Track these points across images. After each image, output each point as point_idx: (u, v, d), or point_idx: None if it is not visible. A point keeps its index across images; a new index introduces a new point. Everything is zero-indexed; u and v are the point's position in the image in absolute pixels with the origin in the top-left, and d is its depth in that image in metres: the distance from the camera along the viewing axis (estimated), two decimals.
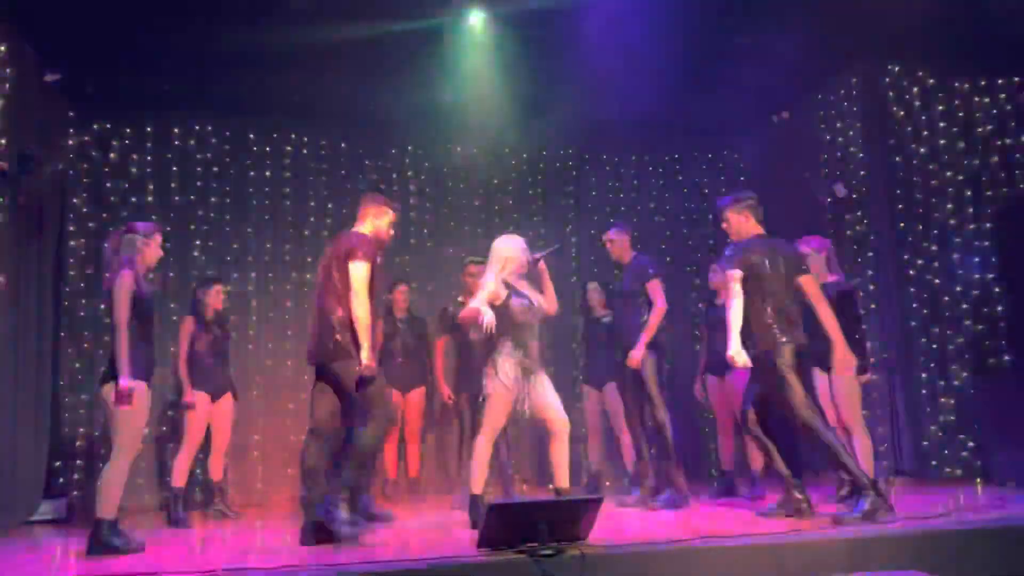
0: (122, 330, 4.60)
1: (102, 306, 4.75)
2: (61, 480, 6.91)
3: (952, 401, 6.86)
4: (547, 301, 5.09)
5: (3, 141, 5.81)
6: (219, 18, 6.23)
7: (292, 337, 7.74)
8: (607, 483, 7.21)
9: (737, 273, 4.94)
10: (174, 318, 7.41)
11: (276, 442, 7.46)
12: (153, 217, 7.37)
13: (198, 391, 6.22)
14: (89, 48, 6.55)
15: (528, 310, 4.91)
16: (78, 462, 7.03)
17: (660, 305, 5.77)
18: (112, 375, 4.59)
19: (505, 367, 4.83)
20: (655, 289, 5.80)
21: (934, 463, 6.77)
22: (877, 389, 6.79)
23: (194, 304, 6.44)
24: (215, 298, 6.42)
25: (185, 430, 6.21)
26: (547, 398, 4.89)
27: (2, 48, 5.84)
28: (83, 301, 7.21)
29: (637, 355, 5.73)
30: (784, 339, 4.91)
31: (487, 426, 4.87)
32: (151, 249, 4.90)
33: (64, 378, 7.09)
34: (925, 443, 6.82)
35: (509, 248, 5.04)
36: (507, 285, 4.96)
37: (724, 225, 5.27)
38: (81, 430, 7.08)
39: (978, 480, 6.53)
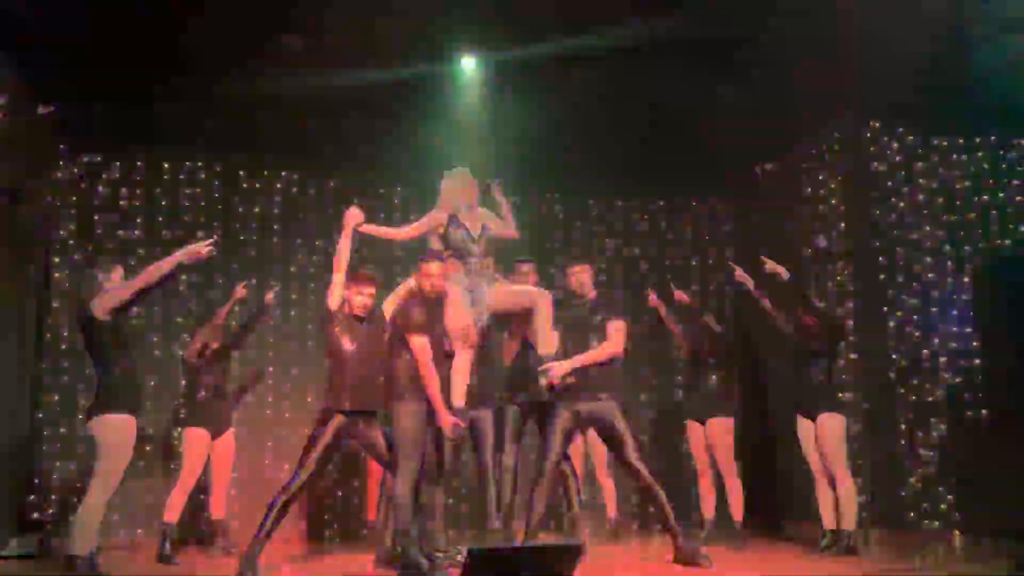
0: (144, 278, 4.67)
1: (78, 337, 4.76)
2: (35, 515, 6.81)
3: (931, 453, 6.90)
4: (505, 226, 5.65)
5: None
6: (213, 59, 6.32)
7: (273, 375, 7.72)
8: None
9: None
10: (156, 352, 7.39)
11: (254, 479, 7.37)
12: (140, 251, 7.39)
13: (197, 428, 6.20)
14: (82, 82, 6.61)
15: (466, 240, 5.31)
16: (53, 497, 6.93)
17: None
18: (100, 408, 4.56)
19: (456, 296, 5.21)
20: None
21: (912, 515, 6.79)
22: (856, 440, 6.83)
23: (193, 340, 6.45)
24: (214, 334, 6.43)
25: (182, 465, 6.18)
26: (505, 290, 5.33)
27: None
28: (64, 334, 7.16)
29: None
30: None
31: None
32: (114, 283, 4.84)
33: (42, 411, 7.02)
34: (903, 494, 6.85)
35: (447, 181, 5.54)
36: (451, 216, 5.37)
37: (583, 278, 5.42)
38: (57, 464, 7.00)
39: (956, 532, 6.56)
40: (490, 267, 5.42)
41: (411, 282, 5.30)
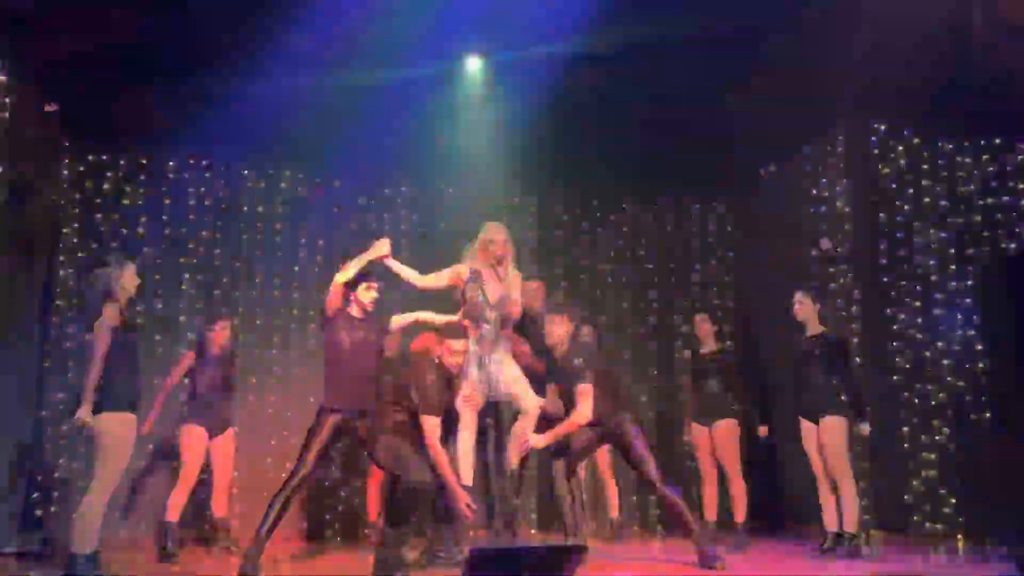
0: (96, 363, 4.65)
1: (87, 337, 4.80)
2: (38, 512, 6.82)
3: (934, 456, 6.89)
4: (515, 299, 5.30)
5: None
6: (219, 58, 6.32)
7: (278, 373, 7.72)
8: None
9: None
10: (159, 351, 7.39)
11: (256, 478, 7.37)
12: (145, 249, 7.39)
13: (195, 426, 6.21)
14: (87, 79, 6.61)
15: (478, 306, 5.15)
16: (56, 494, 6.93)
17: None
18: (100, 406, 4.57)
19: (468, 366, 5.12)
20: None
21: (916, 518, 6.77)
22: (859, 443, 6.81)
23: (199, 340, 6.46)
24: (220, 334, 6.43)
25: (182, 465, 6.19)
26: (509, 379, 5.15)
27: (1, 79, 5.89)
28: (69, 331, 7.17)
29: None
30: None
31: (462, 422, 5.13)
32: (126, 279, 4.91)
33: (46, 410, 7.03)
34: (907, 498, 6.83)
35: (481, 235, 5.33)
36: (474, 273, 5.19)
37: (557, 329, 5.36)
38: (60, 462, 7.00)
39: (959, 536, 6.54)
40: (506, 337, 5.28)
41: (423, 316, 5.29)
